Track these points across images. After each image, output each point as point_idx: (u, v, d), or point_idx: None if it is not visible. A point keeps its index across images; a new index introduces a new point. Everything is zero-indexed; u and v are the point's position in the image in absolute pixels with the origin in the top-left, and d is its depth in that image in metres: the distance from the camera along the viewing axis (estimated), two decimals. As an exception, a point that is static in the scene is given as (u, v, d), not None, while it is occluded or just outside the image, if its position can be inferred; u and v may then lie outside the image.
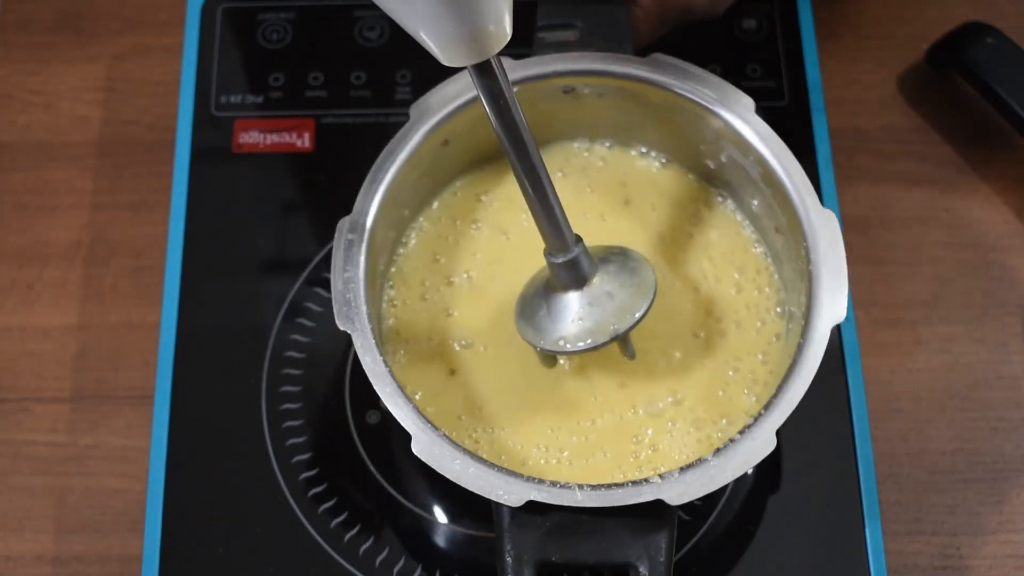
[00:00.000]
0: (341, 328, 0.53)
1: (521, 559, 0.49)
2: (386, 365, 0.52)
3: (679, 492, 0.49)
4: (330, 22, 0.73)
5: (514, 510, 0.49)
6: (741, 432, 0.51)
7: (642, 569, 0.49)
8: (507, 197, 0.60)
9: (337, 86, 0.71)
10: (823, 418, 0.62)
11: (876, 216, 0.70)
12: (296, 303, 0.65)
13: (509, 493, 0.49)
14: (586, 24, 0.57)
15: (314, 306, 0.65)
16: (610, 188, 0.60)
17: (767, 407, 0.51)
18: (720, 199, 0.60)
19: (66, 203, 0.71)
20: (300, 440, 0.62)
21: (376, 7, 0.72)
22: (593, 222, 0.59)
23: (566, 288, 0.54)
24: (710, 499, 0.61)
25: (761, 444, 0.50)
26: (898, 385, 0.65)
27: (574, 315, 0.54)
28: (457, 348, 0.57)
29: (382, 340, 0.56)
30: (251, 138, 0.69)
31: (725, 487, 0.61)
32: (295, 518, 0.61)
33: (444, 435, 0.51)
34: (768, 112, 0.69)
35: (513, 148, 0.48)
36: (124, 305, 0.68)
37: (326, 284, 0.66)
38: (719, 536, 0.60)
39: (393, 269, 0.59)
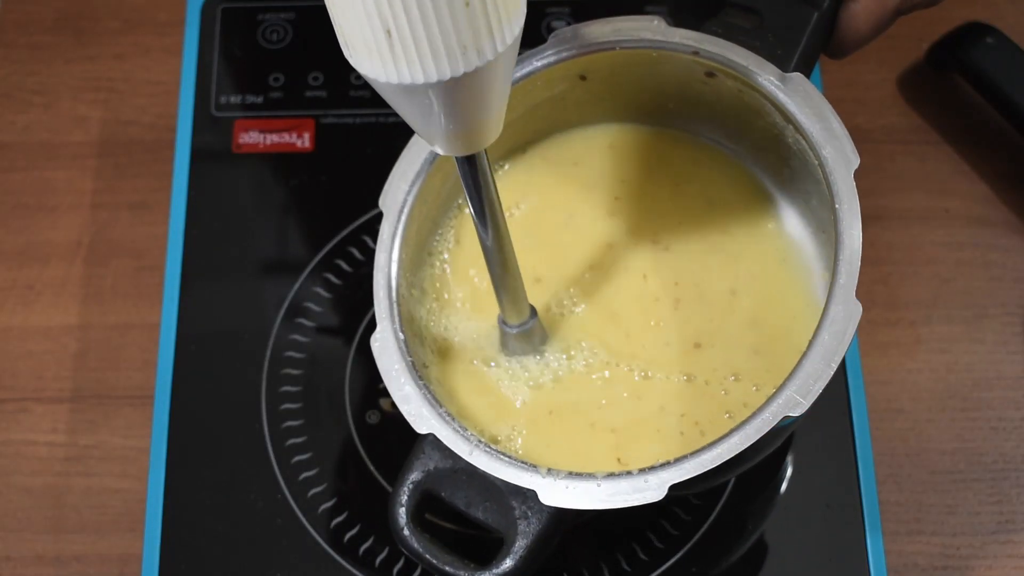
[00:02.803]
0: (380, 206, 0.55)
1: (415, 480, 0.51)
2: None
3: (555, 495, 0.49)
4: (330, 22, 0.72)
5: (430, 441, 0.51)
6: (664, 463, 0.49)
7: (507, 544, 0.50)
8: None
9: (337, 86, 0.71)
10: (823, 418, 0.62)
11: (876, 216, 0.70)
12: (296, 303, 0.65)
13: (418, 418, 0.51)
14: (770, 16, 0.55)
15: (314, 306, 0.65)
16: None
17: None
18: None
19: (66, 203, 0.71)
20: (300, 440, 0.62)
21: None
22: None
23: (517, 354, 0.56)
24: (711, 498, 0.61)
25: (651, 493, 0.48)
26: (898, 385, 0.65)
27: None
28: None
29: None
30: (251, 138, 0.69)
31: (726, 485, 0.61)
32: (295, 518, 0.61)
33: (404, 349, 0.53)
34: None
35: (486, 229, 0.49)
36: (124, 305, 0.68)
37: (326, 284, 0.66)
38: (719, 535, 0.60)
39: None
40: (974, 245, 0.69)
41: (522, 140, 0.61)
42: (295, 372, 0.64)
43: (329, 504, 0.61)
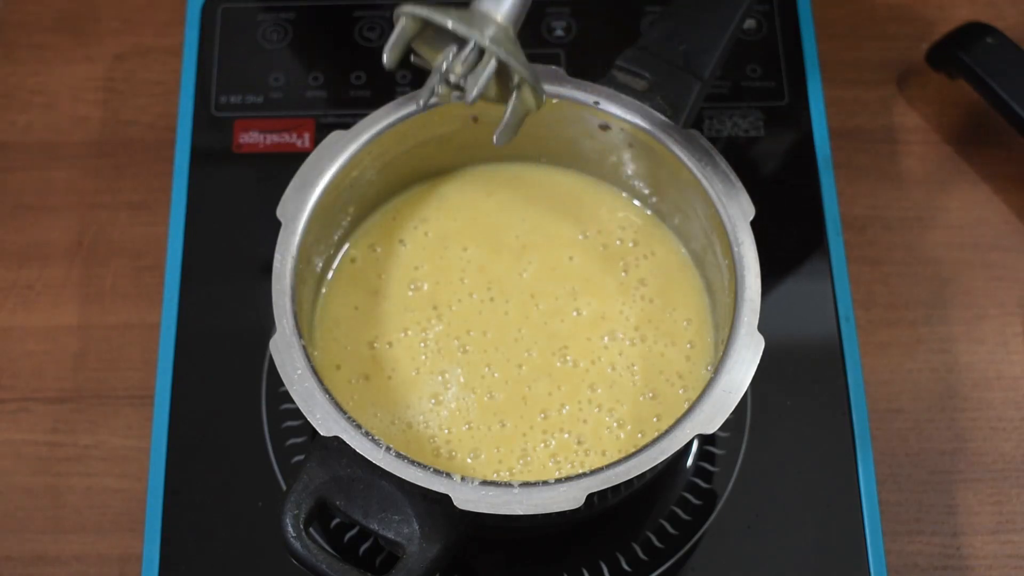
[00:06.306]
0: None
1: (308, 487, 0.51)
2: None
3: (469, 499, 0.49)
4: (330, 22, 0.73)
5: (326, 443, 0.51)
6: (596, 470, 0.50)
7: (408, 552, 0.50)
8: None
9: (337, 86, 0.71)
10: (823, 418, 0.62)
11: (876, 216, 0.70)
12: (296, 303, 0.65)
13: (324, 420, 0.50)
14: (656, 80, 0.58)
15: (314, 306, 0.65)
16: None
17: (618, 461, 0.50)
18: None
19: (66, 203, 0.71)
20: (300, 440, 0.62)
21: (376, 8, 0.73)
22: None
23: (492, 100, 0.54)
24: (710, 498, 0.61)
25: (570, 499, 0.49)
26: (898, 385, 0.65)
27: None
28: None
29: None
30: (251, 138, 0.69)
31: (726, 486, 0.61)
32: (295, 518, 0.61)
33: (304, 354, 0.52)
34: (768, 112, 0.70)
35: None
36: (124, 305, 0.68)
37: (326, 284, 0.66)
38: (719, 536, 0.60)
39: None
40: (974, 245, 0.69)
41: (408, 177, 0.62)
42: (295, 372, 0.64)
43: (329, 504, 0.61)
